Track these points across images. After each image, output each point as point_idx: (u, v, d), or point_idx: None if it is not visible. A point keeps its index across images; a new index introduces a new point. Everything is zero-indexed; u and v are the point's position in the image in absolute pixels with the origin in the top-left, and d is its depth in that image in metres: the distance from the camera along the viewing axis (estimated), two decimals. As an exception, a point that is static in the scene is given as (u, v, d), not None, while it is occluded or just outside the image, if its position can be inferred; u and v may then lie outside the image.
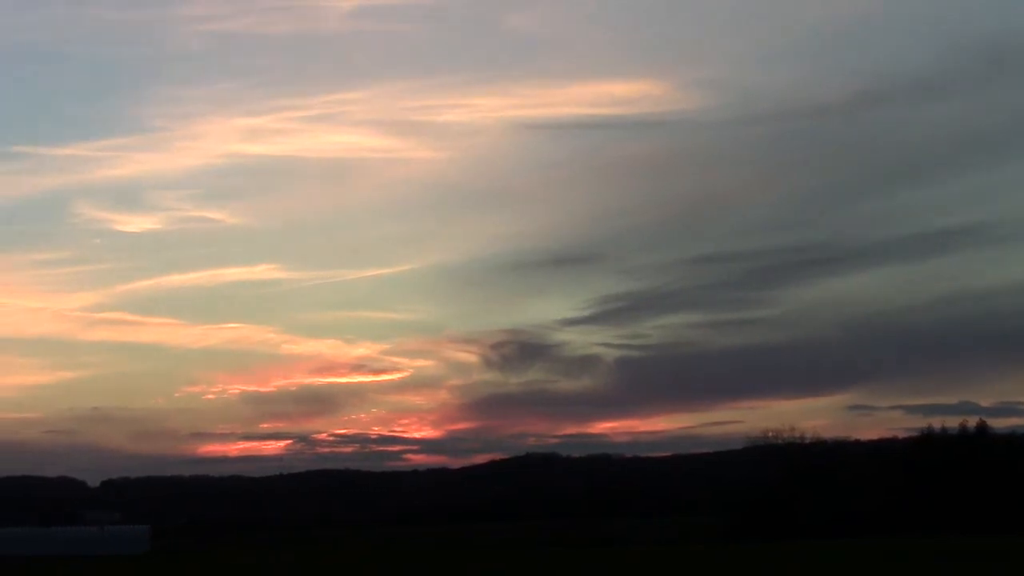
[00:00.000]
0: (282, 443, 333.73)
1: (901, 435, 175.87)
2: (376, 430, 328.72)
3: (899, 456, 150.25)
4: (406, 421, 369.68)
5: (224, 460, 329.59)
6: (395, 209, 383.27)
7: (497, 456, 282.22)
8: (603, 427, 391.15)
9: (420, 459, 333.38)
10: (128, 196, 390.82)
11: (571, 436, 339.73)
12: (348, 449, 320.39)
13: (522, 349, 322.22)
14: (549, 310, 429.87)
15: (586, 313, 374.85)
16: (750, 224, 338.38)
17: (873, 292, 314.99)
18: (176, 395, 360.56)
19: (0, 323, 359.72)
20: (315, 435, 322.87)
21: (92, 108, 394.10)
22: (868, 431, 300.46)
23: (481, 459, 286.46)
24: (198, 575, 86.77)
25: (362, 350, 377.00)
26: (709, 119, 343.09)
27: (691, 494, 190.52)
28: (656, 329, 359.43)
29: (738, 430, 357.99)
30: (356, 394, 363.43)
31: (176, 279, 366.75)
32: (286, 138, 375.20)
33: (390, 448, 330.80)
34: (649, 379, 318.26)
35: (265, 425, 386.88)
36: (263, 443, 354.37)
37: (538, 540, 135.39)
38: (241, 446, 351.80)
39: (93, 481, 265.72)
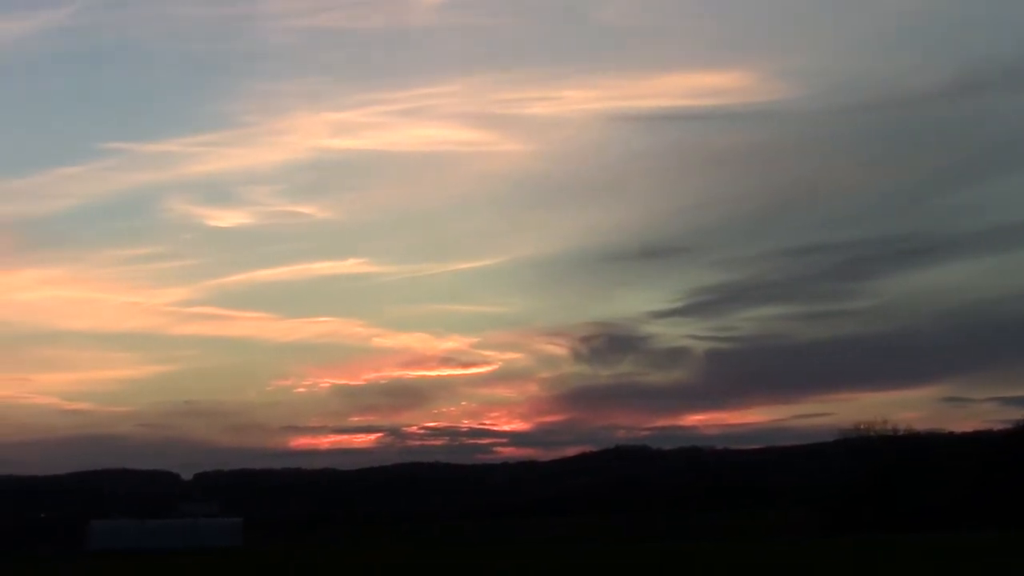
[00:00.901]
0: (372, 436, 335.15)
1: (996, 427, 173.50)
2: (466, 423, 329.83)
3: (995, 448, 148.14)
4: (495, 414, 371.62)
5: (315, 453, 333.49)
6: (484, 202, 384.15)
7: (587, 449, 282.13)
8: (693, 420, 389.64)
9: (510, 452, 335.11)
10: (219, 191, 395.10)
11: (661, 429, 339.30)
12: (438, 442, 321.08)
13: (611, 342, 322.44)
14: (638, 302, 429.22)
15: (676, 305, 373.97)
16: (842, 215, 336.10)
17: (966, 282, 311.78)
18: (267, 389, 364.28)
19: (94, 318, 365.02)
20: (405, 428, 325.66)
21: (183, 104, 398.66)
22: (962, 423, 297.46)
23: (571, 452, 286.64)
24: (293, 568, 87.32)
25: (451, 343, 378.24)
26: (800, 109, 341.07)
27: (782, 487, 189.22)
28: (746, 321, 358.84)
29: (829, 423, 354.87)
30: (445, 387, 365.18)
31: (266, 273, 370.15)
32: (375, 132, 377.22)
33: (480, 441, 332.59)
34: (740, 372, 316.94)
35: (355, 418, 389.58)
36: (354, 436, 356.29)
37: (632, 534, 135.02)
38: (332, 439, 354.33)
39: (186, 474, 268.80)
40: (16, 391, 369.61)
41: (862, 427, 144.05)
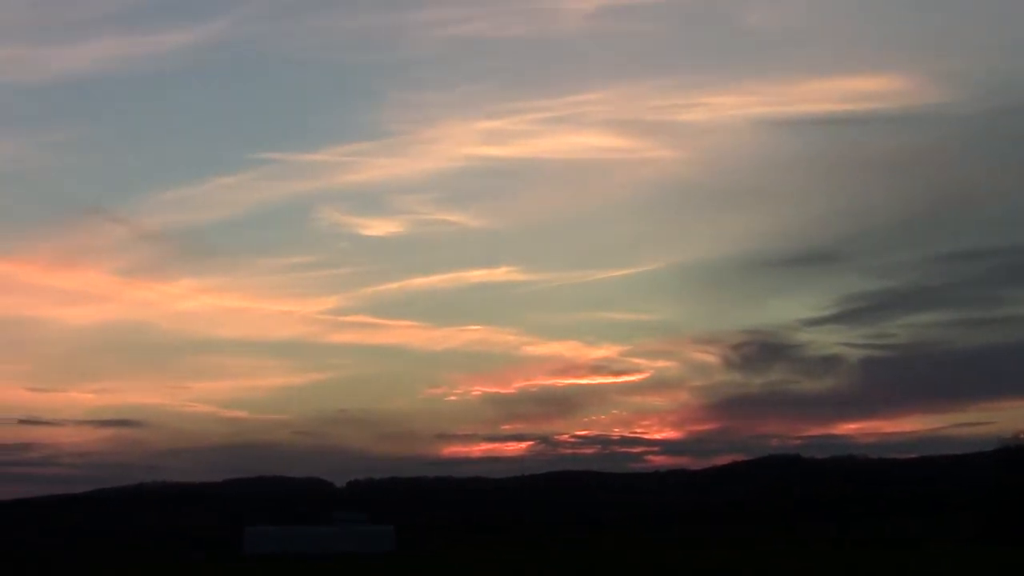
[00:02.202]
0: (524, 444, 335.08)
1: None
2: (617, 431, 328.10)
3: None
4: (647, 422, 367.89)
5: (466, 461, 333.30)
6: (635, 209, 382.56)
7: (739, 457, 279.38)
8: (847, 428, 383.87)
9: (661, 460, 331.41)
10: (371, 200, 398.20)
11: (814, 437, 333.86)
12: (590, 450, 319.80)
13: (763, 349, 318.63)
14: (791, 310, 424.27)
15: (829, 313, 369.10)
16: (1000, 219, 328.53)
17: None
18: (419, 397, 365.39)
19: (249, 326, 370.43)
20: (556, 436, 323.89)
21: (335, 114, 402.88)
22: None
23: (723, 460, 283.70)
24: (444, 574, 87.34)
25: (602, 351, 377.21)
26: (957, 113, 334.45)
27: (939, 496, 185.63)
28: (902, 328, 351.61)
29: (989, 431, 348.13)
30: (597, 395, 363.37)
31: (418, 282, 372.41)
32: (526, 140, 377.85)
33: (631, 449, 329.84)
34: (895, 379, 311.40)
35: (506, 426, 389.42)
36: (505, 444, 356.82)
37: (795, 540, 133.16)
38: (483, 447, 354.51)
39: (339, 481, 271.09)
40: (174, 399, 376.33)
41: (1022, 436, 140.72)
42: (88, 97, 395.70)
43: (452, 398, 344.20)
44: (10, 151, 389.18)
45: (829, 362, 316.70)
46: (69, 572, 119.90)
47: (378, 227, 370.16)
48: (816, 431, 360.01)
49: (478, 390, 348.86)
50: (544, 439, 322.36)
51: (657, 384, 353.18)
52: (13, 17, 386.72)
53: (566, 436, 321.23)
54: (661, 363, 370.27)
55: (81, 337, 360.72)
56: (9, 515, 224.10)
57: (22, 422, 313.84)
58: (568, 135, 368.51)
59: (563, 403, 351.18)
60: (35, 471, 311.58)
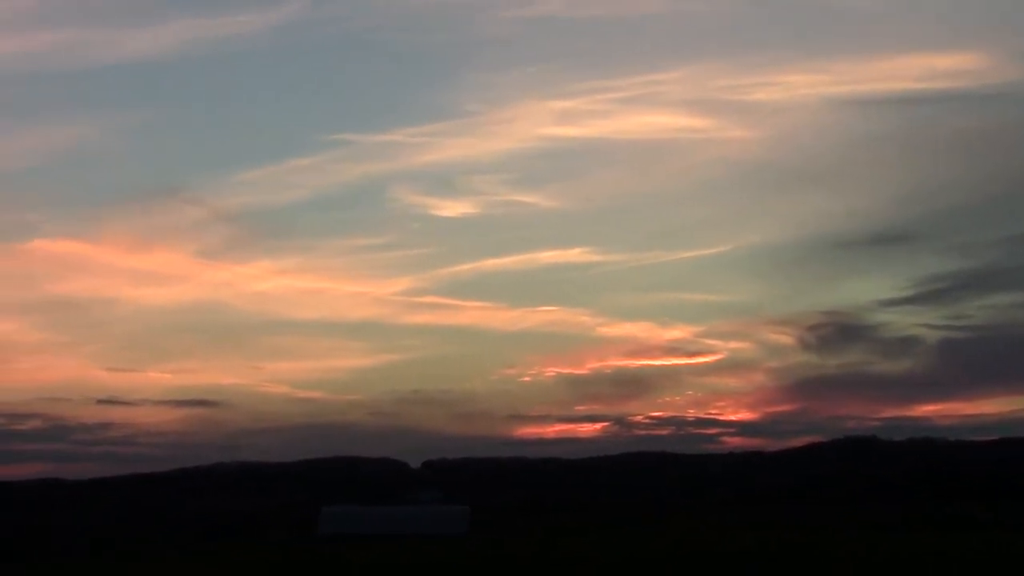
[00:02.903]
0: (598, 425, 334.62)
1: None
2: (692, 412, 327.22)
3: None
4: (722, 403, 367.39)
5: (540, 442, 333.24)
6: (709, 190, 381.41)
7: (815, 439, 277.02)
8: (925, 410, 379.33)
9: (736, 442, 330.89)
10: (444, 181, 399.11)
11: (891, 419, 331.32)
12: (664, 431, 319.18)
13: (840, 330, 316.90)
14: (867, 290, 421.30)
15: (906, 293, 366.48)
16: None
17: None
18: (493, 377, 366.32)
19: (324, 307, 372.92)
20: (631, 417, 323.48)
21: (408, 95, 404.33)
22: None
23: (799, 442, 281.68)
24: (519, 555, 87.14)
25: (676, 332, 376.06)
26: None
27: (1019, 479, 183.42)
28: (981, 309, 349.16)
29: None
30: (671, 376, 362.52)
31: (492, 263, 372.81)
32: (598, 120, 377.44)
33: (706, 431, 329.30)
34: (974, 361, 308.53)
35: (581, 407, 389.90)
36: (579, 425, 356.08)
37: (871, 524, 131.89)
38: (557, 428, 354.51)
39: (414, 462, 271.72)
40: (250, 379, 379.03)
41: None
42: (165, 79, 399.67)
43: (526, 379, 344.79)
44: (88, 133, 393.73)
45: (906, 343, 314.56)
46: (146, 551, 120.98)
47: (452, 208, 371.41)
48: (893, 413, 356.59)
49: (552, 371, 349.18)
50: (618, 420, 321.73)
51: (732, 365, 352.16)
52: (87, 0, 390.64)
53: (640, 417, 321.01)
54: (736, 344, 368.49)
55: (159, 318, 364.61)
56: (88, 494, 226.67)
57: (100, 402, 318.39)
58: (642, 115, 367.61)
59: (637, 384, 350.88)
60: (114, 450, 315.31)
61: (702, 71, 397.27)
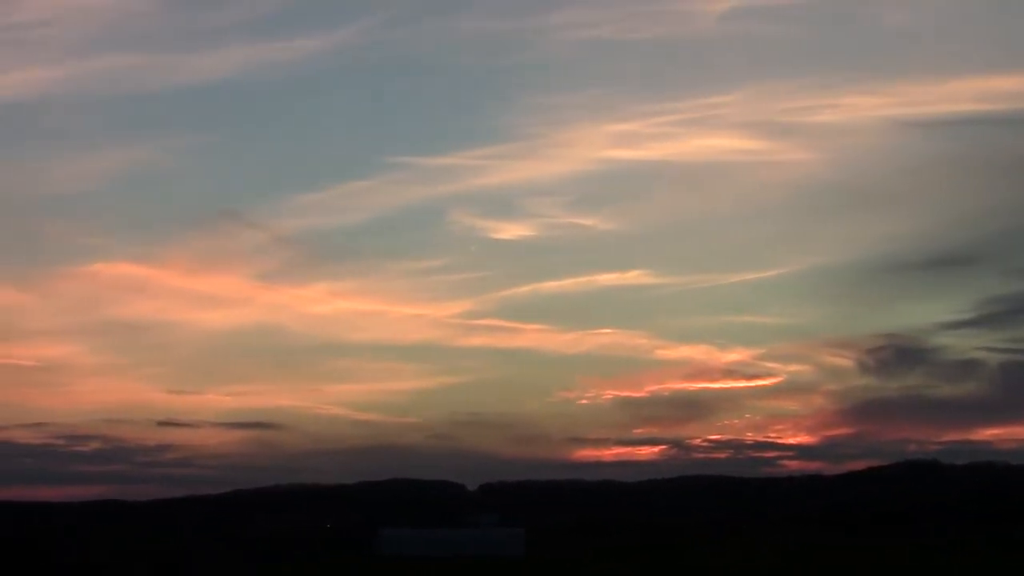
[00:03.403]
0: (656, 448, 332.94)
1: None
2: (750, 436, 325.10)
3: None
4: (781, 427, 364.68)
5: (598, 465, 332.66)
6: (767, 212, 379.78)
7: (875, 463, 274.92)
8: (987, 434, 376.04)
9: (796, 465, 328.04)
10: (502, 203, 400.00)
11: (953, 443, 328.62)
12: (722, 455, 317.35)
13: (899, 353, 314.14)
14: (927, 313, 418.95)
15: (967, 316, 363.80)
16: None
17: None
18: (550, 400, 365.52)
19: (382, 329, 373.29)
20: (689, 440, 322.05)
21: (466, 118, 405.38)
22: None
23: (858, 465, 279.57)
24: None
25: (734, 355, 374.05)
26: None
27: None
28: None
29: None
30: (729, 399, 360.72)
31: (550, 285, 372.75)
32: (656, 142, 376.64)
33: (765, 454, 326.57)
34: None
35: (638, 430, 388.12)
36: (637, 448, 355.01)
37: (932, 547, 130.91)
38: (615, 451, 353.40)
39: (472, 484, 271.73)
40: (308, 401, 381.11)
41: None
42: (224, 102, 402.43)
43: (584, 401, 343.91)
44: (147, 156, 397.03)
45: (967, 366, 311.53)
46: (206, 572, 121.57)
47: (510, 230, 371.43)
48: (954, 436, 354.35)
49: (610, 394, 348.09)
50: (676, 443, 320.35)
51: (791, 388, 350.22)
52: (151, 24, 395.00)
53: (699, 440, 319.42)
54: (795, 367, 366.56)
55: (218, 340, 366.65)
56: (148, 515, 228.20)
57: (161, 424, 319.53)
58: (700, 137, 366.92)
59: (695, 407, 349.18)
60: (174, 472, 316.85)
61: (760, 93, 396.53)
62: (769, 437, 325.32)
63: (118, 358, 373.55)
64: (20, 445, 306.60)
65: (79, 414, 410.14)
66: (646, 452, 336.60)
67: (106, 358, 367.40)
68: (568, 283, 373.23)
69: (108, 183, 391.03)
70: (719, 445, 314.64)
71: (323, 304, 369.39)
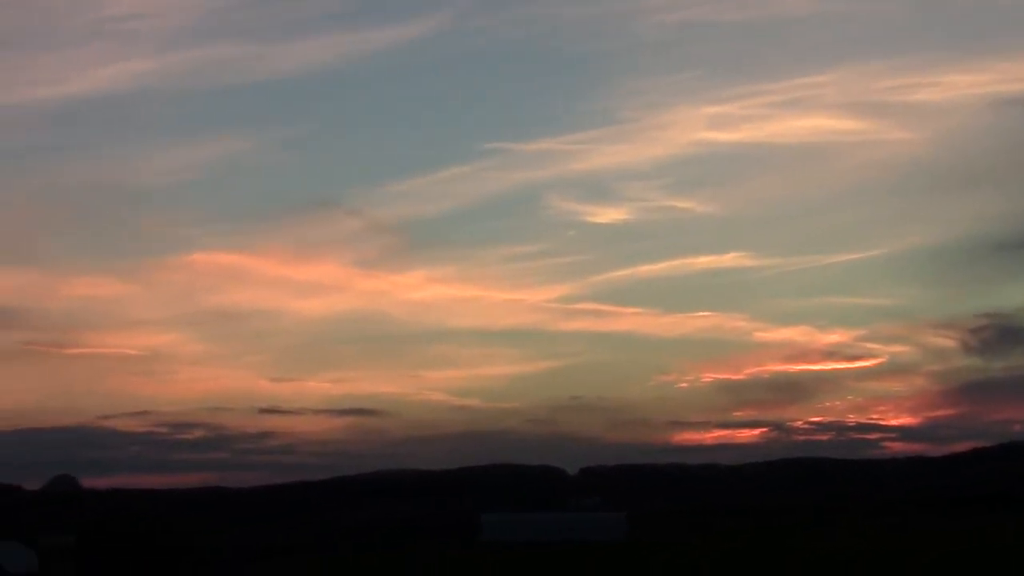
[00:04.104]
0: (756, 431, 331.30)
1: None
2: (852, 418, 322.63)
3: None
4: (883, 408, 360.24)
5: (699, 448, 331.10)
6: (867, 192, 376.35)
7: (980, 444, 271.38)
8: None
9: (899, 447, 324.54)
10: (598, 188, 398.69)
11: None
12: (824, 437, 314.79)
13: (1003, 333, 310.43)
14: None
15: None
16: None
17: None
18: (650, 384, 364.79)
19: (480, 315, 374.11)
20: (790, 423, 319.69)
21: (562, 102, 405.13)
22: None
23: (962, 447, 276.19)
24: (678, 563, 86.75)
25: (835, 336, 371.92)
26: None
27: None
28: None
29: None
30: (830, 381, 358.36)
31: (647, 269, 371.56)
32: (753, 124, 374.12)
33: (867, 436, 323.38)
34: None
35: (738, 413, 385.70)
36: (737, 431, 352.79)
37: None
38: (715, 434, 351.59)
39: (572, 469, 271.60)
40: (408, 387, 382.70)
41: None
42: (321, 91, 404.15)
43: (683, 385, 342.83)
44: (246, 147, 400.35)
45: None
46: (308, 558, 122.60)
47: (606, 214, 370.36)
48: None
49: (709, 376, 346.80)
50: (777, 426, 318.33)
51: (893, 369, 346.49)
52: (245, 16, 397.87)
53: (800, 423, 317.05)
54: (896, 348, 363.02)
55: (318, 328, 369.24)
56: (251, 502, 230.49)
57: (262, 411, 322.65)
58: (797, 118, 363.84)
59: (796, 389, 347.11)
60: (275, 459, 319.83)
61: (858, 72, 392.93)
62: (871, 419, 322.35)
63: (219, 347, 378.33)
64: (125, 433, 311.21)
65: (182, 402, 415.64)
66: (746, 435, 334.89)
67: (207, 347, 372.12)
68: (665, 266, 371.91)
69: (206, 173, 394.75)
70: (820, 427, 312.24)
71: (421, 290, 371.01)
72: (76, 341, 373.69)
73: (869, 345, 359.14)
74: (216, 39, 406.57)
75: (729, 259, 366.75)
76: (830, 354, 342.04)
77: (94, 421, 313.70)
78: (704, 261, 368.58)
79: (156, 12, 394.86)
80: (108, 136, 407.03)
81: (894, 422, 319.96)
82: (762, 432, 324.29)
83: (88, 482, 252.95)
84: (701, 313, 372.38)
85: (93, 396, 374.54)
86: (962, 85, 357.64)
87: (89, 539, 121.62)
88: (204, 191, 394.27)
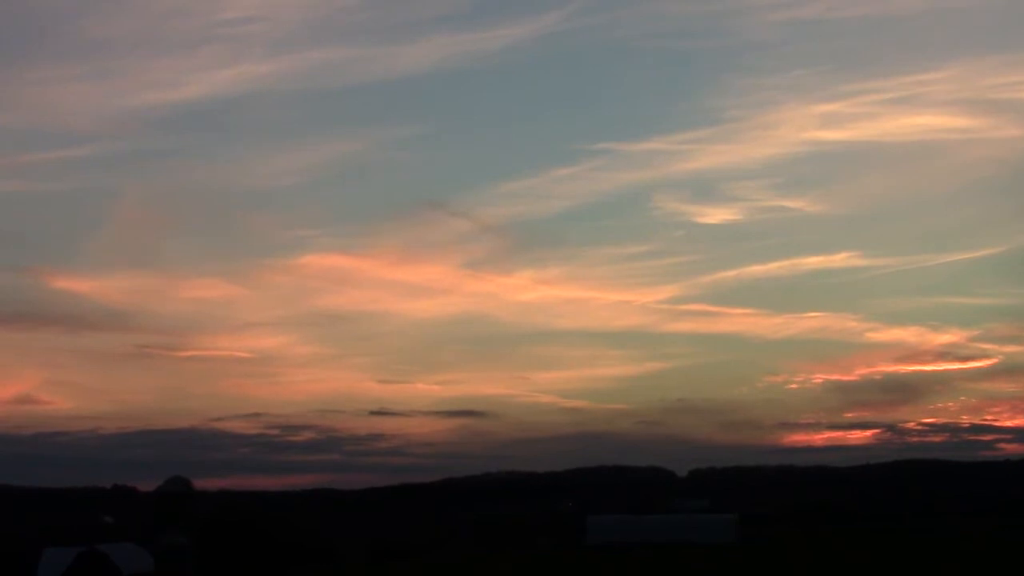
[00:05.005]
0: (868, 432, 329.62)
1: None
2: (966, 419, 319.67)
3: None
4: (998, 409, 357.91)
5: (808, 450, 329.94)
6: (981, 190, 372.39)
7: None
8: None
9: (1014, 448, 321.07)
10: (706, 188, 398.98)
11: None
12: (937, 438, 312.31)
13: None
14: None
15: None
16: None
17: None
18: (758, 385, 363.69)
19: (588, 316, 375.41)
20: (902, 424, 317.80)
21: (668, 102, 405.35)
22: None
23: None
24: (788, 565, 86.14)
25: (948, 337, 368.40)
26: None
27: None
28: None
29: None
30: (942, 382, 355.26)
31: (756, 269, 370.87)
32: (864, 122, 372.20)
33: (982, 437, 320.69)
34: None
35: (849, 414, 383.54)
36: (848, 433, 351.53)
37: None
38: (825, 436, 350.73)
39: (681, 470, 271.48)
40: (516, 389, 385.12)
41: None
42: (428, 93, 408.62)
43: (792, 386, 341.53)
44: (354, 148, 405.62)
45: None
46: (417, 558, 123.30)
47: (714, 215, 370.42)
48: None
49: (819, 377, 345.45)
50: (889, 427, 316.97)
51: (1008, 369, 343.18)
52: (355, 18, 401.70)
53: (912, 424, 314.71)
54: (1011, 348, 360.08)
55: (426, 330, 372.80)
56: (362, 502, 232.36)
57: (372, 413, 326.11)
58: (908, 116, 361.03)
59: (908, 390, 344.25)
60: (386, 460, 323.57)
61: (972, 69, 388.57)
62: (985, 420, 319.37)
63: (329, 348, 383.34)
64: (238, 435, 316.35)
65: (293, 404, 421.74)
66: (858, 436, 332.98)
67: (317, 348, 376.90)
68: (775, 267, 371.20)
69: (315, 176, 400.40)
70: (934, 428, 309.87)
71: (529, 291, 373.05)
72: (189, 344, 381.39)
73: (983, 345, 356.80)
74: (327, 42, 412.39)
75: (840, 259, 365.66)
76: (943, 354, 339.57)
77: (206, 423, 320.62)
78: (814, 261, 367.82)
79: (268, 15, 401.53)
80: (221, 139, 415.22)
81: (1009, 423, 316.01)
82: (874, 433, 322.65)
83: (200, 483, 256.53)
84: (811, 314, 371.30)
85: (205, 398, 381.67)
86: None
87: (206, 538, 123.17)
88: (314, 193, 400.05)
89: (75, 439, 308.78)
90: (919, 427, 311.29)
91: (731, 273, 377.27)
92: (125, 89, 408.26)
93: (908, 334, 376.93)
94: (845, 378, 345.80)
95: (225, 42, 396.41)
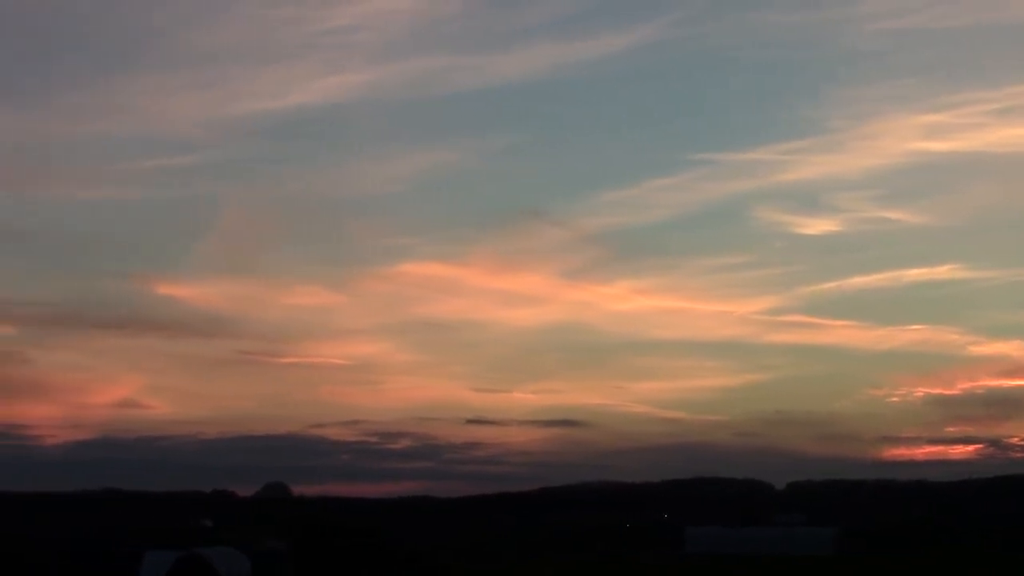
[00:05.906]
0: (970, 447, 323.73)
1: None
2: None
3: None
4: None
5: (909, 464, 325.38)
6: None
7: None
8: None
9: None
10: (807, 198, 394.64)
11: None
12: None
13: None
14: None
15: None
16: None
17: None
18: (859, 398, 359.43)
19: (686, 327, 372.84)
20: (1007, 439, 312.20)
21: (768, 112, 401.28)
22: None
23: None
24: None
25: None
26: None
27: None
28: None
29: None
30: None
31: (857, 281, 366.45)
32: (969, 133, 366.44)
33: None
34: None
35: (951, 429, 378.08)
36: (950, 447, 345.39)
37: None
38: (927, 450, 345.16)
39: (779, 483, 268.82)
40: (613, 399, 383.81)
41: None
42: (526, 102, 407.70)
43: (893, 399, 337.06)
44: (452, 157, 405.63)
45: None
46: (514, 567, 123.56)
47: (815, 226, 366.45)
48: None
49: (921, 391, 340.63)
50: (993, 442, 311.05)
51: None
52: (456, 26, 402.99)
53: (1016, 439, 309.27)
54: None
55: (523, 339, 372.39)
56: (457, 510, 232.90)
57: (469, 421, 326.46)
58: (1014, 126, 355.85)
59: (1012, 405, 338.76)
60: (482, 469, 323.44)
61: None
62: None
63: (426, 356, 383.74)
64: (337, 442, 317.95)
65: (391, 411, 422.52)
66: (960, 451, 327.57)
67: (415, 356, 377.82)
68: (876, 279, 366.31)
69: (414, 184, 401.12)
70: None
71: (627, 301, 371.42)
72: (289, 350, 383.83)
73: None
74: (427, 51, 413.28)
75: (943, 271, 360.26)
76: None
77: (305, 429, 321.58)
78: (916, 273, 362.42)
79: (371, 25, 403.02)
80: (324, 148, 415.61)
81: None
82: (976, 449, 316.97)
83: (298, 489, 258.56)
84: (913, 326, 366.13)
85: (305, 405, 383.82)
86: None
87: (303, 544, 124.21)
88: (413, 201, 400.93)
89: (176, 443, 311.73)
90: (1023, 443, 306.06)
91: (832, 284, 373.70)
92: (231, 98, 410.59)
93: (1012, 348, 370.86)
94: (947, 392, 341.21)
95: (330, 51, 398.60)
